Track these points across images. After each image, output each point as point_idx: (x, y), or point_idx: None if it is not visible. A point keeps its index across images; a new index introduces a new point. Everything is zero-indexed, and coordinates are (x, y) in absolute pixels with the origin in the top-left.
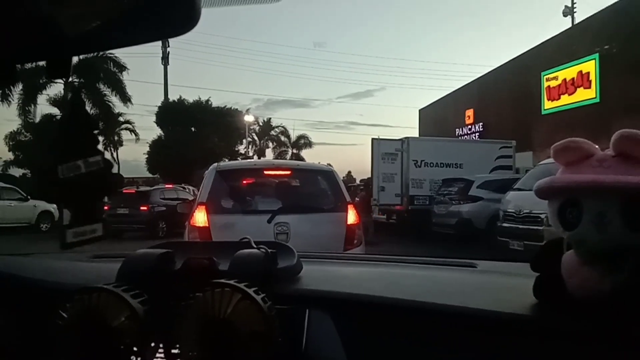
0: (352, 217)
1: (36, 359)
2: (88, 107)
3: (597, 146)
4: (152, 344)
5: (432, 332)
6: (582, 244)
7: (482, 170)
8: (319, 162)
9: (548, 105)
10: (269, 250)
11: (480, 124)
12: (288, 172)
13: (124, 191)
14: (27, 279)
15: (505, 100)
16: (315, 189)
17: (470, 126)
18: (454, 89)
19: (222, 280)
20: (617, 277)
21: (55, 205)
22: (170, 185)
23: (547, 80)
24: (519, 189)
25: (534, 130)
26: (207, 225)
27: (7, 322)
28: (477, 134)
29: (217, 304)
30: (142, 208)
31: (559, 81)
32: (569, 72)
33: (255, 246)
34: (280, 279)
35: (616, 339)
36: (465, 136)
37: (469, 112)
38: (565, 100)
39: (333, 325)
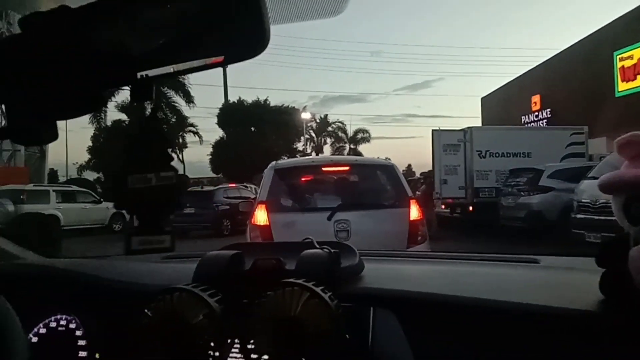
0: (414, 212)
1: (123, 352)
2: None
3: None
4: (228, 341)
5: (497, 330)
6: None
7: (552, 158)
8: (378, 157)
9: (622, 86)
10: (333, 250)
11: (548, 110)
12: (346, 168)
13: (190, 191)
14: (106, 280)
15: (574, 83)
16: (375, 185)
17: (537, 113)
18: (518, 75)
19: (292, 280)
20: None
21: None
22: (233, 185)
23: (621, 60)
24: (595, 178)
25: (608, 114)
26: (267, 223)
27: (91, 323)
28: (544, 120)
29: (288, 302)
30: (206, 207)
31: (634, 60)
32: None
33: (318, 246)
34: (343, 278)
35: None
36: (532, 124)
37: (535, 98)
38: None
39: (398, 323)
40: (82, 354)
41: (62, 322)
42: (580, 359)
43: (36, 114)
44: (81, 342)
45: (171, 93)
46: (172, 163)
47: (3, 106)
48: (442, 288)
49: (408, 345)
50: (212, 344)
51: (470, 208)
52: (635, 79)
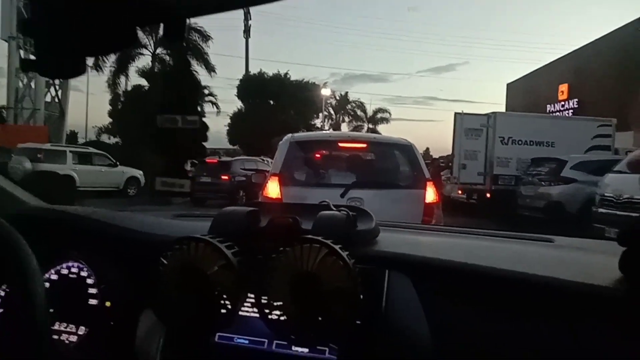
0: (431, 195)
1: (135, 302)
2: (174, 79)
3: None
4: (243, 294)
5: (512, 301)
6: None
7: (577, 149)
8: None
9: None
10: (350, 213)
11: (575, 100)
12: (364, 145)
13: (207, 161)
14: (120, 229)
15: (605, 75)
16: (392, 164)
17: (563, 102)
18: (546, 62)
19: (309, 236)
20: None
21: (141, 172)
22: (250, 157)
23: None
24: (620, 172)
25: (637, 109)
26: (279, 196)
27: (103, 271)
28: (571, 110)
29: (305, 257)
30: (223, 177)
31: None
32: None
33: (335, 209)
34: (359, 241)
35: None
36: (558, 113)
37: (563, 87)
38: None
39: (413, 288)
40: (93, 301)
41: (74, 269)
42: (595, 334)
43: (65, 48)
44: (92, 290)
45: (193, 62)
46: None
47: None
48: (458, 257)
49: (422, 310)
50: (225, 296)
51: (488, 195)
52: None
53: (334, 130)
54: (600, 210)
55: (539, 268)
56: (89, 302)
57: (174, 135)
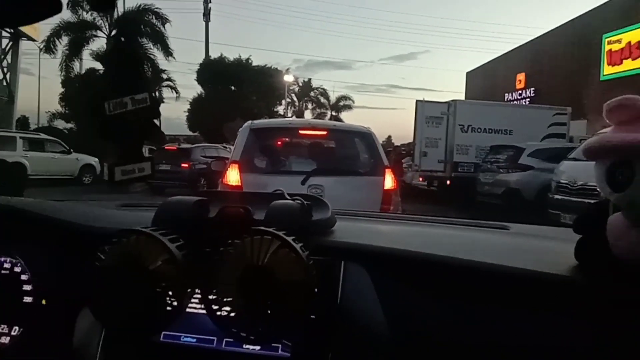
0: (389, 182)
1: (72, 299)
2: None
3: None
4: (188, 290)
5: (468, 289)
6: (633, 206)
7: (534, 137)
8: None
9: (608, 70)
10: (305, 202)
11: (532, 89)
12: (324, 133)
13: (166, 148)
14: (57, 221)
15: (560, 64)
16: (351, 151)
17: (521, 91)
18: (505, 52)
19: (262, 228)
20: None
21: (97, 159)
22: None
23: (609, 43)
24: (575, 159)
25: (590, 98)
26: (239, 184)
27: (38, 267)
28: (528, 99)
29: (256, 250)
30: (183, 165)
31: (622, 44)
32: (634, 35)
33: (289, 198)
34: (314, 231)
35: None
36: (516, 102)
37: (520, 77)
38: (628, 65)
39: (369, 279)
40: (27, 299)
41: (6, 265)
42: (551, 322)
43: None
44: (26, 287)
45: (149, 44)
46: None
47: None
48: (416, 246)
49: (378, 301)
50: (170, 292)
51: (448, 182)
52: (621, 63)
53: (297, 117)
54: (556, 196)
55: (495, 256)
56: (23, 300)
57: (121, 116)
